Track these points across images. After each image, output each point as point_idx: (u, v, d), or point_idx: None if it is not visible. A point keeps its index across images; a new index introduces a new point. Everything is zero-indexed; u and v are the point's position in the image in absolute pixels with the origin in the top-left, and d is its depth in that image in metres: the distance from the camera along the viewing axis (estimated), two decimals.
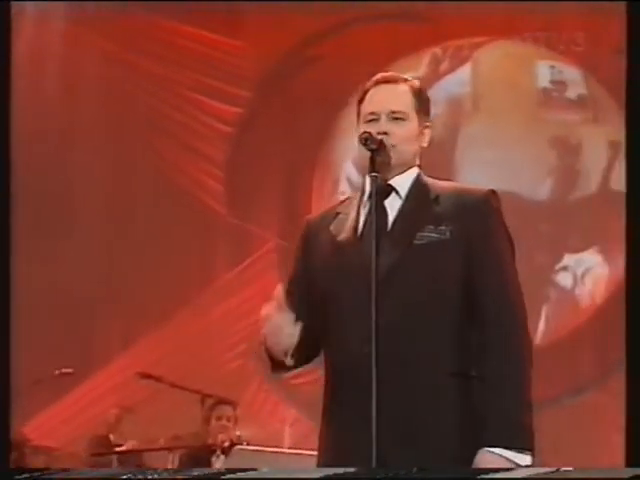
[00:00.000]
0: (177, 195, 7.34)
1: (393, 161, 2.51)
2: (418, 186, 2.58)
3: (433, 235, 2.46)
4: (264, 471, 2.41)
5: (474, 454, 2.42)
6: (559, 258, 7.21)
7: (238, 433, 5.28)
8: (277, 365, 2.52)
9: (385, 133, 2.51)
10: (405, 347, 2.38)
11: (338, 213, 2.60)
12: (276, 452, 4.74)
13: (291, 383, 7.01)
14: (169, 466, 4.99)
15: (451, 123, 7.32)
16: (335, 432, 2.52)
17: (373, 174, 2.44)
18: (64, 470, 3.87)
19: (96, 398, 7.10)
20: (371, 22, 7.44)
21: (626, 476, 2.39)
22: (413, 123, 2.58)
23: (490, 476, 2.35)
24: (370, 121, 2.56)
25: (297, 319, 2.46)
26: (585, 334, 6.92)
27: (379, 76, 2.63)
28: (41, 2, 7.53)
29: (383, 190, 2.54)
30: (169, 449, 5.29)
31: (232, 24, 7.50)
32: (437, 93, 7.24)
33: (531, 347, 2.44)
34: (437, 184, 2.60)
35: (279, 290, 2.45)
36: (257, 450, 4.71)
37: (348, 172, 7.43)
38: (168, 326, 7.19)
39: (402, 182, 2.56)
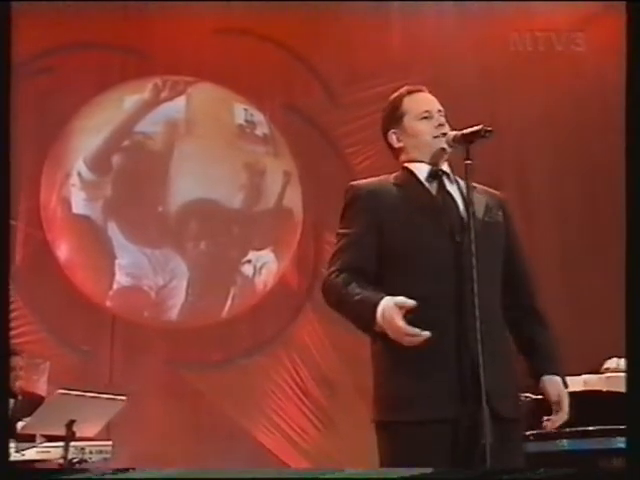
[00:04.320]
0: None
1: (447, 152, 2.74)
2: (453, 174, 2.78)
3: (494, 217, 2.71)
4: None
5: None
6: (245, 253, 7.90)
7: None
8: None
9: (443, 125, 2.74)
10: (481, 293, 2.48)
11: (396, 185, 2.72)
12: (94, 397, 4.97)
13: None
14: None
15: (169, 141, 7.92)
16: (414, 381, 2.52)
17: (469, 161, 2.61)
18: (66, 470, 4.03)
19: None
20: (99, 49, 7.96)
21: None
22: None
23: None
24: (424, 118, 2.75)
25: (368, 268, 2.62)
26: (258, 311, 7.75)
27: (410, 87, 2.84)
28: None
29: (434, 173, 2.73)
30: None
31: None
32: (158, 115, 7.98)
33: None
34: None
35: (401, 300, 2.45)
36: (78, 395, 4.91)
37: (79, 168, 7.82)
38: None
39: (448, 170, 2.76)
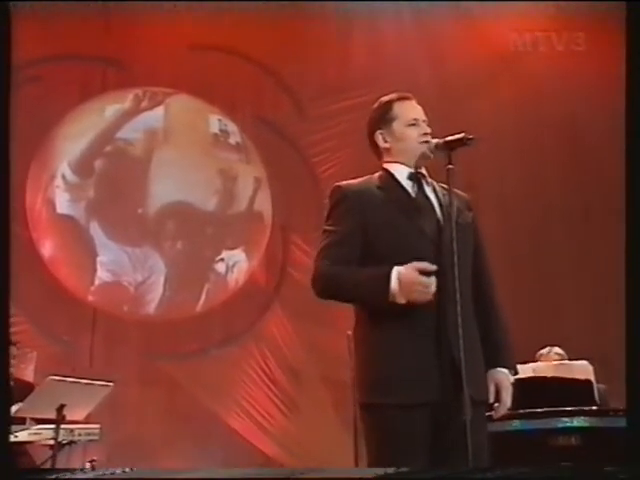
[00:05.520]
0: None
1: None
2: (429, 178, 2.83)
3: (466, 218, 2.74)
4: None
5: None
6: (218, 253, 8.02)
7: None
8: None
9: (428, 134, 2.79)
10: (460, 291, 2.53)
11: (379, 187, 2.75)
12: (83, 383, 5.01)
13: None
14: None
15: (148, 147, 7.98)
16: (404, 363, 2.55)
17: (451, 166, 2.64)
18: (66, 470, 4.09)
19: None
20: (83, 61, 8.07)
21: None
22: None
23: None
24: (412, 125, 2.79)
25: (351, 262, 2.62)
26: (230, 306, 7.88)
27: (400, 94, 2.86)
28: None
29: (414, 176, 2.77)
30: None
31: None
32: (138, 123, 8.07)
33: None
34: None
35: (417, 263, 2.50)
36: (68, 381, 4.94)
37: (63, 171, 7.88)
38: None
39: (425, 172, 2.82)
